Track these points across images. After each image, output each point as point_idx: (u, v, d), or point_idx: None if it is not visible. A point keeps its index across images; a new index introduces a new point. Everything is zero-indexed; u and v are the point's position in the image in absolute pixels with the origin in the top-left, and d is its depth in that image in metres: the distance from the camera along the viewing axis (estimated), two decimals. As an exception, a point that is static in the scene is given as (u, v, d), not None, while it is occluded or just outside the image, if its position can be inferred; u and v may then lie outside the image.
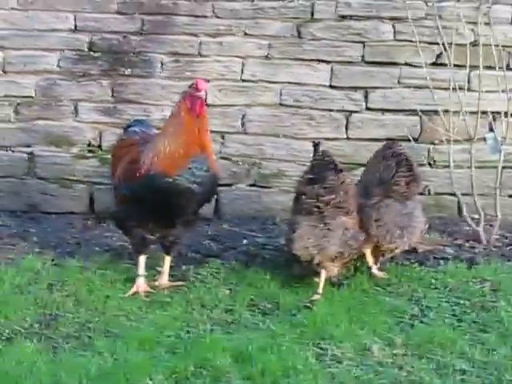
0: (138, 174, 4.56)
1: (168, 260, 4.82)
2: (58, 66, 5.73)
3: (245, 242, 5.40)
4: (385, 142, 5.24)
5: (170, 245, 4.78)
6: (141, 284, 4.72)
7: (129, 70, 5.73)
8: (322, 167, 4.73)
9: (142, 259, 4.74)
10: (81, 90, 5.74)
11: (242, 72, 5.75)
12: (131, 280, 4.83)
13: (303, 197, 4.68)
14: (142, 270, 4.75)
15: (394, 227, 4.88)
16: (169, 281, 4.80)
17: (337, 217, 4.67)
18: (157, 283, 4.77)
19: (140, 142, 4.82)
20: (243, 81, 5.76)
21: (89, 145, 5.81)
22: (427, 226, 5.13)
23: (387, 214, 4.89)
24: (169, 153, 4.53)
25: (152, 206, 4.54)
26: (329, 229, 4.65)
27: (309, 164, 4.87)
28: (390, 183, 4.92)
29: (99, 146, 5.80)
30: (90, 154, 5.81)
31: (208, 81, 5.06)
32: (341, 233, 4.67)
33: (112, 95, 5.75)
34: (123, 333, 4.26)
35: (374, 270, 4.95)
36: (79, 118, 5.77)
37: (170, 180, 4.51)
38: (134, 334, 4.22)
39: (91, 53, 5.72)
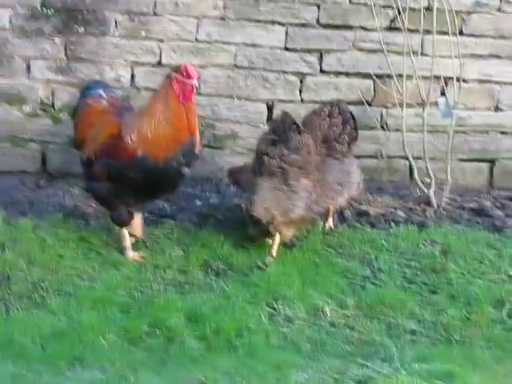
0: (123, 154, 4.49)
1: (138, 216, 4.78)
2: (10, 22, 5.62)
3: (198, 202, 5.40)
4: (329, 101, 5.25)
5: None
6: (130, 254, 4.66)
7: (82, 28, 5.64)
8: (285, 128, 4.71)
9: (126, 232, 4.69)
10: (33, 48, 5.64)
11: (197, 32, 5.70)
12: (84, 239, 4.81)
13: (265, 157, 4.62)
14: (127, 241, 4.68)
15: (335, 185, 4.92)
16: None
17: (300, 179, 4.64)
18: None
19: (111, 109, 4.72)
20: (198, 41, 5.71)
21: (41, 103, 5.73)
22: (362, 179, 5.17)
23: (329, 174, 4.91)
24: (157, 137, 4.46)
25: (139, 184, 4.49)
26: (293, 191, 4.61)
27: (269, 125, 4.83)
28: (334, 141, 4.95)
29: (52, 105, 5.72)
30: (43, 113, 5.73)
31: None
32: (305, 196, 4.65)
33: (65, 53, 5.67)
34: (76, 292, 4.26)
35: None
36: (32, 76, 5.68)
37: (161, 164, 4.46)
38: (87, 294, 4.23)
39: (44, 10, 5.63)
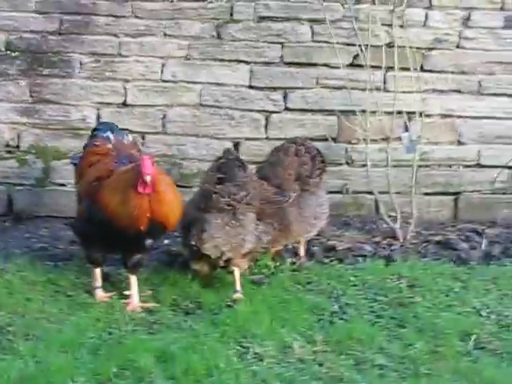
0: (98, 198, 4.48)
1: (134, 280, 4.66)
2: (-26, 65, 5.66)
3: (166, 241, 5.40)
4: (290, 139, 5.35)
5: (133, 265, 4.66)
6: (99, 294, 4.64)
7: (47, 69, 5.67)
8: (230, 165, 4.82)
9: (98, 271, 4.65)
10: (-2, 90, 5.67)
11: (162, 72, 5.75)
12: (52, 281, 4.80)
13: (214, 195, 4.71)
14: (98, 281, 4.66)
15: (311, 219, 5.05)
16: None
17: (247, 213, 4.75)
18: (129, 308, 4.58)
19: (112, 152, 4.74)
20: (163, 81, 5.77)
21: (7, 145, 5.74)
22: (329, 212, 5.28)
23: (306, 209, 5.02)
24: (120, 209, 4.42)
25: (108, 234, 4.46)
26: (242, 226, 4.71)
27: (214, 163, 4.94)
28: (307, 178, 5.09)
29: (17, 147, 5.74)
30: (9, 155, 5.74)
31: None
32: (252, 229, 4.75)
33: (30, 95, 5.69)
34: (45, 335, 4.22)
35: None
36: (-3, 119, 5.71)
37: (130, 230, 4.43)
38: (56, 337, 4.20)
39: (8, 52, 5.66)
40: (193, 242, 4.75)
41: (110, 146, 4.81)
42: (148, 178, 4.38)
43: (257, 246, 4.80)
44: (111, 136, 4.85)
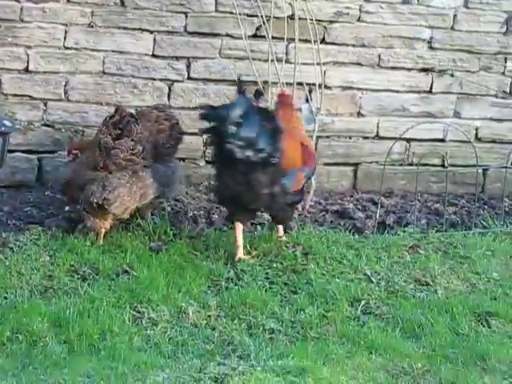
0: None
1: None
2: None
3: (66, 208, 5.41)
4: (154, 104, 5.50)
5: None
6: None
7: None
8: (126, 122, 4.97)
9: None
10: None
11: (65, 39, 5.72)
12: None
13: (113, 151, 4.88)
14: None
15: (159, 186, 5.07)
16: None
17: (146, 169, 4.98)
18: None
19: None
20: (66, 48, 5.73)
21: None
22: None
23: (157, 176, 5.06)
24: None
25: None
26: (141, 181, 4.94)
27: (105, 121, 5.04)
28: (163, 146, 5.14)
29: None
30: None
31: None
32: (150, 183, 5.00)
33: None
34: None
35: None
36: None
37: None
38: None
39: None
40: (96, 201, 4.86)
41: None
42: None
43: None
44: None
